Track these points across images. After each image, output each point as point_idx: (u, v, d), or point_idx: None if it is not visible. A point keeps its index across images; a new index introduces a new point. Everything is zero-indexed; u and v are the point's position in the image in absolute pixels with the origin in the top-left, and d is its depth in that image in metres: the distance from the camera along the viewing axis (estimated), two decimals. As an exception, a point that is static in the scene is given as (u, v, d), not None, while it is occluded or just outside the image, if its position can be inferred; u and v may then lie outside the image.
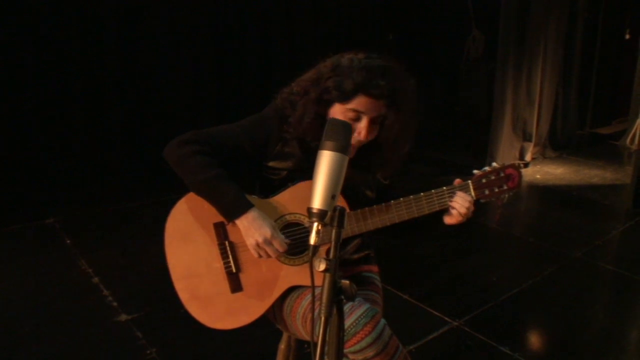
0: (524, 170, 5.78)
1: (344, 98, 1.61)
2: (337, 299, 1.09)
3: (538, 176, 5.65)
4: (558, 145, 6.50)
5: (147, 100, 5.23)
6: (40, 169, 4.66)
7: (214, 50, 5.60)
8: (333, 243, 1.10)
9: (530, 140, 6.01)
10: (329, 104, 1.66)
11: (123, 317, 2.95)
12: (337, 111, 1.65)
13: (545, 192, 5.26)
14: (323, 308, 1.05)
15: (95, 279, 3.33)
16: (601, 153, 6.55)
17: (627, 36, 7.65)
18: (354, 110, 1.62)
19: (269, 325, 1.88)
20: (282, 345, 2.03)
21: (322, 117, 1.68)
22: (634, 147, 6.48)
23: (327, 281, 1.07)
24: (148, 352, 2.67)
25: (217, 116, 5.59)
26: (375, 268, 1.97)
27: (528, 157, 5.97)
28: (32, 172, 4.62)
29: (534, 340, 2.95)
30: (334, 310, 1.10)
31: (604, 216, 4.68)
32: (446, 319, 3.02)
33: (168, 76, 5.29)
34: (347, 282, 1.10)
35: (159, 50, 5.20)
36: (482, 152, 5.79)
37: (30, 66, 4.51)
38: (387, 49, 7.37)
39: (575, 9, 6.28)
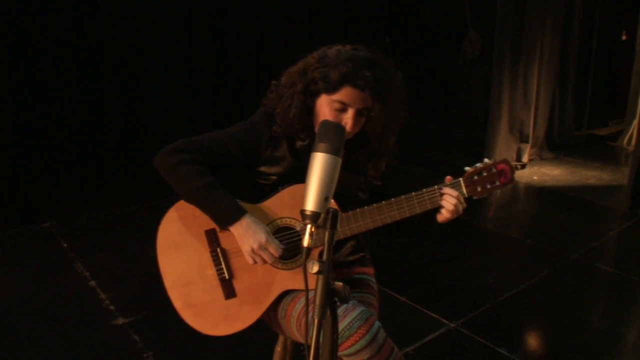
0: (521, 172, 5.78)
1: (330, 89, 1.62)
2: (331, 301, 1.08)
3: (535, 177, 5.65)
4: (555, 146, 6.50)
5: (144, 104, 5.23)
6: (37, 172, 4.65)
7: (211, 53, 5.60)
8: (326, 245, 1.10)
9: (527, 142, 6.01)
10: (315, 94, 1.67)
11: (120, 320, 2.94)
12: (323, 102, 1.65)
13: (542, 194, 5.27)
14: (316, 310, 1.05)
15: (92, 283, 3.32)
16: (598, 154, 6.55)
17: (624, 37, 7.66)
18: (340, 102, 1.62)
19: (265, 327, 1.87)
20: (278, 348, 2.03)
21: (309, 108, 1.69)
22: (631, 148, 6.49)
23: (320, 283, 1.07)
24: (145, 355, 2.66)
25: (214, 119, 5.59)
26: (370, 270, 1.96)
27: (525, 159, 5.97)
28: (28, 176, 4.62)
29: (531, 341, 2.94)
30: (328, 313, 1.09)
31: (601, 217, 4.68)
32: (443, 320, 3.01)
33: (165, 79, 5.30)
34: (341, 284, 1.10)
35: (156, 53, 5.21)
36: (479, 154, 5.79)
37: (26, 71, 4.51)
38: (384, 50, 7.37)
39: (571, 10, 6.29)
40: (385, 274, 3.40)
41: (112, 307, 3.07)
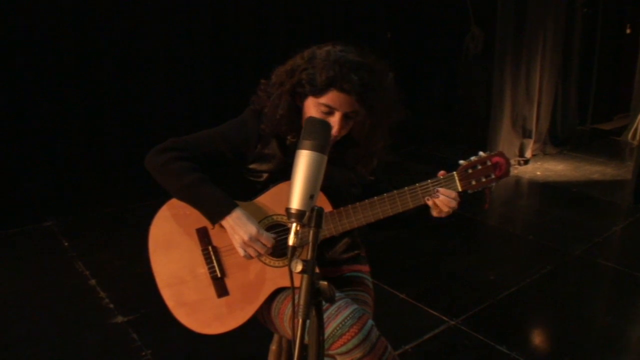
0: (524, 167, 5.75)
1: (316, 92, 1.60)
2: (316, 301, 1.07)
3: (538, 173, 5.61)
4: (558, 141, 6.45)
5: (143, 102, 5.22)
6: (39, 172, 4.66)
7: (211, 52, 5.58)
8: (310, 244, 1.08)
9: (530, 137, 5.97)
10: (302, 96, 1.66)
11: (119, 319, 2.95)
12: (311, 104, 1.64)
13: (546, 189, 5.23)
14: (301, 310, 1.04)
15: (92, 281, 3.33)
16: (602, 149, 6.49)
17: (628, 30, 7.60)
18: (326, 105, 1.61)
19: (261, 326, 1.87)
20: (273, 346, 2.02)
21: (297, 108, 1.68)
22: (636, 142, 6.43)
23: (304, 283, 1.06)
24: (143, 353, 2.66)
25: (214, 117, 5.57)
26: (365, 268, 1.95)
27: (528, 154, 5.93)
28: (30, 175, 4.62)
29: (532, 339, 2.92)
30: (313, 312, 1.08)
31: (605, 213, 4.64)
32: (443, 318, 3.00)
33: (165, 78, 5.28)
34: (326, 283, 1.09)
35: (156, 52, 5.19)
36: (482, 150, 5.74)
37: (27, 69, 4.51)
38: (386, 47, 7.35)
39: (573, 4, 6.24)
40: (384, 270, 3.41)
41: (111, 306, 3.07)
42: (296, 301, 1.08)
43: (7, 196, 4.42)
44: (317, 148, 1.11)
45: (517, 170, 5.68)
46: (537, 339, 2.94)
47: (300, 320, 1.03)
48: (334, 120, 1.61)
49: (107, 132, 5.08)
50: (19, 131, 4.58)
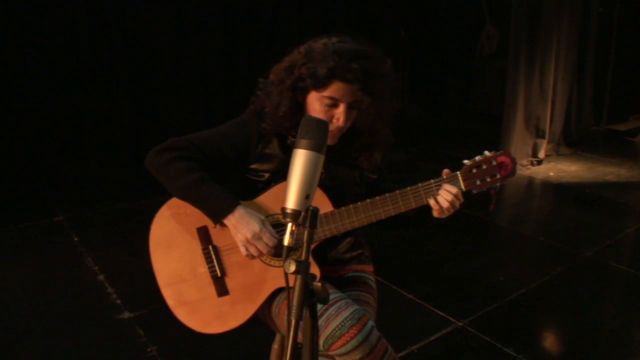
0: (537, 168, 5.69)
1: (319, 85, 1.58)
2: (310, 301, 1.06)
3: (551, 173, 5.55)
4: (572, 142, 6.37)
5: (154, 99, 5.25)
6: (49, 167, 4.70)
7: (222, 51, 5.59)
8: (305, 245, 1.07)
9: (543, 137, 5.91)
10: (304, 91, 1.64)
11: (126, 314, 2.96)
12: (313, 98, 1.62)
13: (559, 190, 5.17)
14: (293, 311, 1.03)
15: (101, 277, 3.34)
16: (617, 150, 6.40)
17: (645, 30, 7.48)
18: (330, 98, 1.59)
19: (265, 324, 1.86)
20: (275, 346, 2.02)
21: (299, 104, 1.67)
22: (651, 144, 6.36)
23: (298, 284, 1.04)
24: (149, 350, 2.67)
25: (225, 115, 5.58)
26: (369, 268, 1.93)
27: (541, 154, 5.87)
28: (41, 170, 4.66)
29: (540, 341, 2.89)
30: (307, 314, 1.07)
31: (618, 214, 4.57)
32: (450, 319, 2.97)
33: (175, 74, 5.30)
34: (320, 284, 1.07)
35: (166, 49, 5.21)
36: (495, 149, 5.68)
37: (36, 65, 4.54)
38: (400, 45, 7.32)
39: (589, 3, 6.16)
40: (392, 270, 3.39)
41: (118, 302, 3.08)
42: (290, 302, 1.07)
43: (18, 191, 4.46)
44: (314, 147, 1.10)
45: (530, 170, 5.63)
46: (545, 341, 2.91)
47: (293, 321, 1.02)
48: (339, 112, 1.60)
49: (117, 127, 5.10)
50: (30, 126, 4.61)
